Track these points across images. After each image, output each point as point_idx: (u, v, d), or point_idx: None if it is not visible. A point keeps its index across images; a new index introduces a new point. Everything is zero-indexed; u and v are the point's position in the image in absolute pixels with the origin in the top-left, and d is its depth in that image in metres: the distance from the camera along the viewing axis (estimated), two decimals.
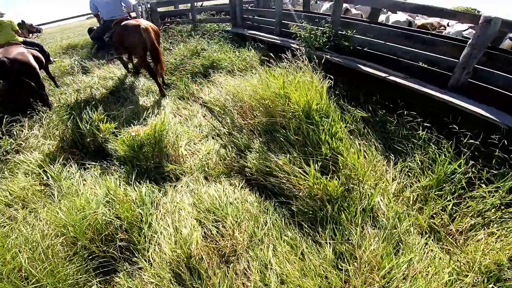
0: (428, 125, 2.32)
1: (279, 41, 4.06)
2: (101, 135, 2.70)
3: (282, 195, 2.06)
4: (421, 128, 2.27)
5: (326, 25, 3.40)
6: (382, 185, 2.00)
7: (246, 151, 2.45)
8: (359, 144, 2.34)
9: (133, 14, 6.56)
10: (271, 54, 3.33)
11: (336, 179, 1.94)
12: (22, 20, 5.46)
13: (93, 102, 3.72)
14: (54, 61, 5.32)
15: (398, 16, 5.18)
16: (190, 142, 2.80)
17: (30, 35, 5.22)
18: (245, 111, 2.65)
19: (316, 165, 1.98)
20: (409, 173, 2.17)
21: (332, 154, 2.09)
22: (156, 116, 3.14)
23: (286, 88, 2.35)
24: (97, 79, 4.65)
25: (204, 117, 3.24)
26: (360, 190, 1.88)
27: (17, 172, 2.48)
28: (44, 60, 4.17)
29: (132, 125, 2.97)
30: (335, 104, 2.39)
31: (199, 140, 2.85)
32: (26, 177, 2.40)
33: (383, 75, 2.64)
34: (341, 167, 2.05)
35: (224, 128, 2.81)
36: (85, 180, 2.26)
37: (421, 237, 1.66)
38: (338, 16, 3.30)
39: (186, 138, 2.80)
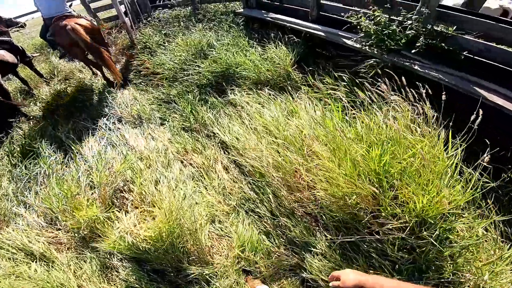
0: None
1: (322, 33, 2.77)
2: (82, 226, 1.76)
3: None
4: None
5: (411, 16, 2.12)
6: None
7: (304, 249, 1.51)
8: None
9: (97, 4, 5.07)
10: (311, 51, 2.16)
11: None
12: None
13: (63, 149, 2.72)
14: (33, 56, 4.41)
15: (487, 2, 3.66)
16: (214, 218, 1.86)
17: (10, 29, 4.25)
18: (297, 186, 1.60)
19: None
20: None
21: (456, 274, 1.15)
22: (159, 175, 2.11)
23: (387, 165, 1.26)
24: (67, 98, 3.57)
25: (226, 171, 2.20)
26: None
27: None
28: (16, 60, 3.68)
29: (123, 197, 2.00)
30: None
31: (226, 213, 1.89)
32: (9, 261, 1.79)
33: None
34: None
35: (264, 204, 1.79)
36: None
37: None
38: (435, 3, 2.02)
39: (207, 211, 1.86)
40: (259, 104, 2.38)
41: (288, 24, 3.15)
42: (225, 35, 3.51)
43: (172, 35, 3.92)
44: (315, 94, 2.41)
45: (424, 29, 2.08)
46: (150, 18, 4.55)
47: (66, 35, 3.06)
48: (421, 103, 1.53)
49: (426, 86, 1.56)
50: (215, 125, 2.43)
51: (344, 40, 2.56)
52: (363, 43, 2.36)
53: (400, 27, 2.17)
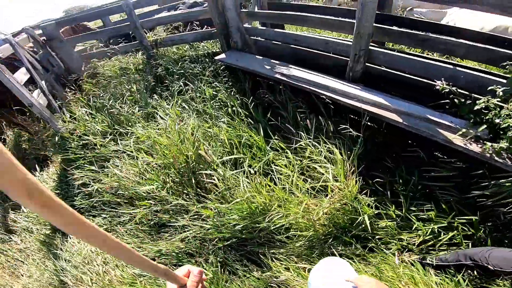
0: None
1: (396, 117, 1.61)
2: None
3: None
4: None
5: None
6: None
7: None
8: None
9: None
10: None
11: None
12: None
13: None
14: None
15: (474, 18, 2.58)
16: None
17: None
18: None
19: None
20: None
21: None
22: None
23: None
24: None
25: None
26: None
27: None
28: None
29: None
30: None
31: None
32: None
33: None
34: None
35: None
36: None
37: None
38: None
39: None
40: None
41: (318, 90, 1.91)
42: (212, 113, 2.19)
43: (125, 119, 2.47)
44: (413, 248, 1.38)
45: None
46: (81, 81, 2.94)
47: None
48: None
49: None
50: None
51: (445, 134, 1.46)
52: (489, 146, 1.29)
53: None
